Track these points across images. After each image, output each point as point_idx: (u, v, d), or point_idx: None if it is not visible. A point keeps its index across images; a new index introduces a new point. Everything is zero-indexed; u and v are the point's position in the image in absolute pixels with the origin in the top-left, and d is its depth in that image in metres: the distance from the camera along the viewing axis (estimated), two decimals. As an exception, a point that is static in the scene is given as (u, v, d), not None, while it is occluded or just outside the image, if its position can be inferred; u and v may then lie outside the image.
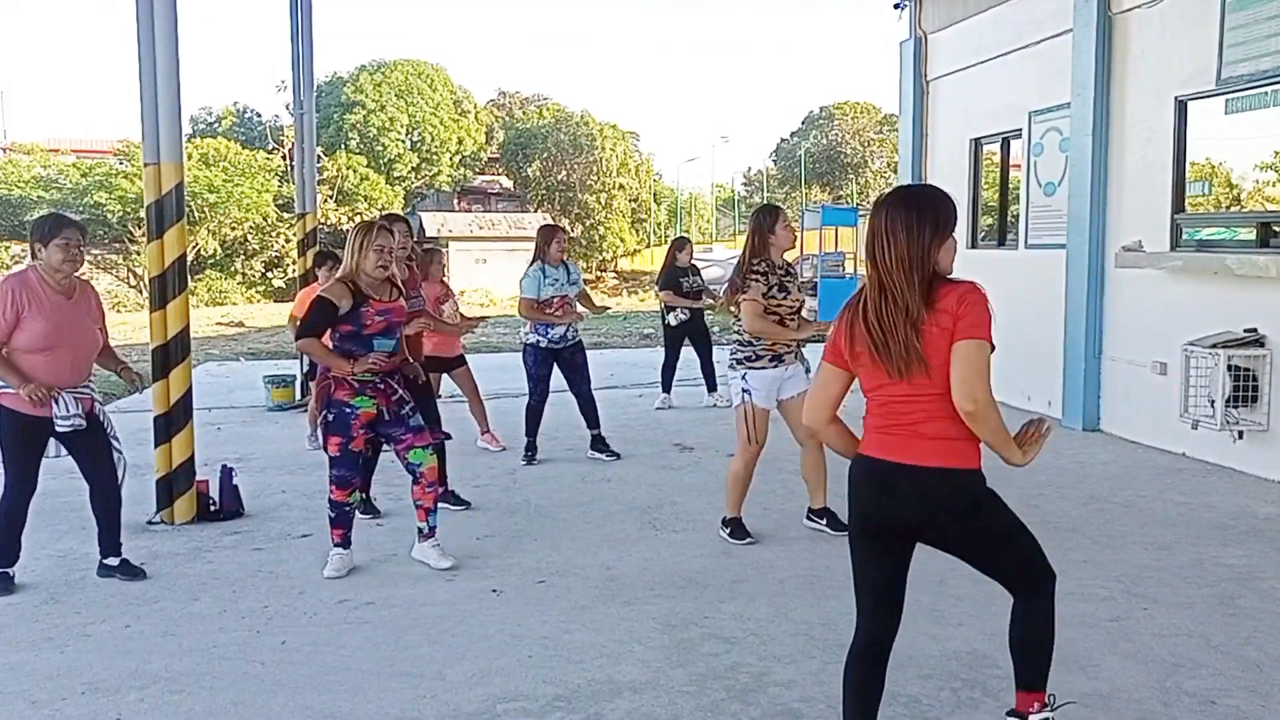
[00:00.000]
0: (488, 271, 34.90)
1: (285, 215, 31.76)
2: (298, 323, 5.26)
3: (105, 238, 31.79)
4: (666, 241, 15.10)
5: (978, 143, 10.24)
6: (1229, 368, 6.44)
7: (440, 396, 7.21)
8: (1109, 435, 8.05)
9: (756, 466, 5.41)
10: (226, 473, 6.06)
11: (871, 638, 2.83)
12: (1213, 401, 6.52)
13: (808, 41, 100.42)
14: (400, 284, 5.08)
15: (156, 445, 5.86)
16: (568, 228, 30.49)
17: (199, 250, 31.65)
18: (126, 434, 5.31)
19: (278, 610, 4.46)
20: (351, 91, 38.11)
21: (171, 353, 5.81)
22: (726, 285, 5.54)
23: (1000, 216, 10.04)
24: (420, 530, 5.07)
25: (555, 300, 7.12)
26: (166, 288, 5.78)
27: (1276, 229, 6.67)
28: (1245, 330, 6.57)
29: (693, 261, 9.79)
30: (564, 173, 40.22)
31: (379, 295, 4.84)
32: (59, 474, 5.73)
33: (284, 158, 32.81)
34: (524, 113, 44.84)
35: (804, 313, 5.43)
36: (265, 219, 33.57)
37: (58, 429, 4.61)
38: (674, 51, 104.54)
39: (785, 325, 5.24)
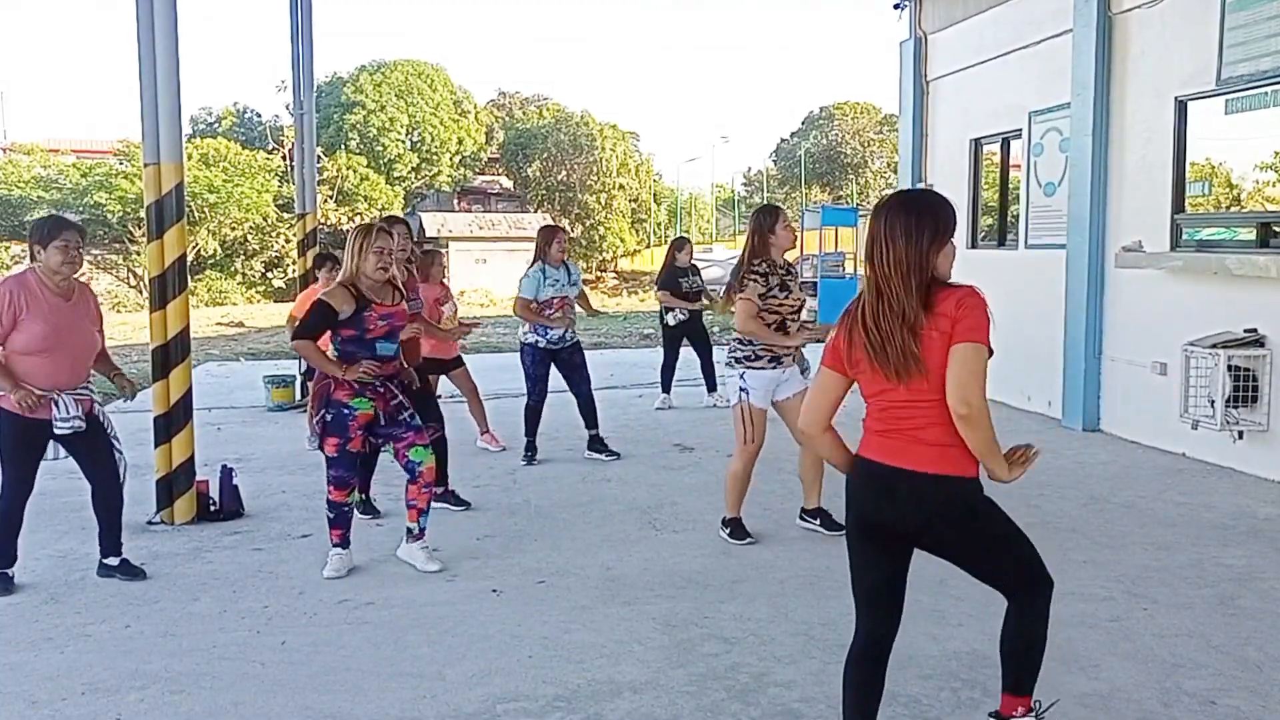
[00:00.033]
0: (488, 272, 34.92)
1: (285, 215, 31.76)
2: (296, 323, 5.26)
3: (105, 238, 31.79)
4: (666, 242, 15.12)
5: (978, 143, 10.24)
6: (1229, 368, 6.44)
7: (439, 397, 7.21)
8: (1109, 435, 8.05)
9: (756, 466, 5.41)
10: (226, 473, 6.06)
11: (871, 638, 2.83)
12: (1213, 402, 6.52)
13: (808, 41, 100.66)
14: (401, 286, 5.08)
15: (156, 445, 5.87)
16: (568, 228, 30.45)
17: (199, 250, 31.65)
18: (126, 434, 5.31)
19: (278, 610, 4.46)
20: (351, 91, 38.09)
21: (171, 353, 5.82)
22: (725, 286, 5.55)
23: (1000, 217, 10.04)
24: (410, 530, 5.04)
25: (555, 301, 7.11)
26: (166, 288, 5.79)
27: (1276, 229, 6.67)
28: (1245, 330, 6.57)
29: (692, 262, 9.79)
30: (564, 173, 40.22)
31: (381, 299, 4.83)
32: (59, 474, 5.74)
33: (284, 158, 32.82)
34: (524, 113, 44.83)
35: (804, 313, 5.43)
36: (265, 219, 33.56)
37: (57, 431, 4.61)
38: (674, 51, 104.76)
39: (787, 325, 5.25)
